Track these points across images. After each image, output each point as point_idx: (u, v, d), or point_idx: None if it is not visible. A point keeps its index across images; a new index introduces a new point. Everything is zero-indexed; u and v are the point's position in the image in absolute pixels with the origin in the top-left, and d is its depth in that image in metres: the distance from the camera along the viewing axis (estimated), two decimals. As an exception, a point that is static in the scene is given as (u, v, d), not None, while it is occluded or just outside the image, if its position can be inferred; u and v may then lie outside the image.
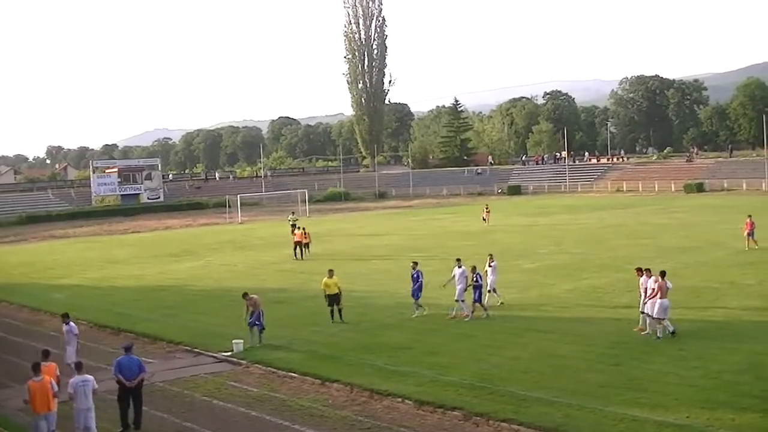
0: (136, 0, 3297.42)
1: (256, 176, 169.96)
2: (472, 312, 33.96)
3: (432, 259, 53.88)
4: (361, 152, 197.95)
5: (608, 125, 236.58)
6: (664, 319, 29.06)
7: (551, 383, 24.09)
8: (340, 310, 34.58)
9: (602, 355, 27.15)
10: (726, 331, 29.68)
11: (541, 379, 24.71)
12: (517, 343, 29.54)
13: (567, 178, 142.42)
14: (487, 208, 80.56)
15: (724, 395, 22.18)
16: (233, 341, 30.71)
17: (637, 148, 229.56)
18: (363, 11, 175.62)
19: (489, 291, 35.70)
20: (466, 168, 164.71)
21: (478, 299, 34.13)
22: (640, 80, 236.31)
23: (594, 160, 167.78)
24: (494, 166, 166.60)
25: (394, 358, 28.26)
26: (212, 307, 40.17)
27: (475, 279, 33.90)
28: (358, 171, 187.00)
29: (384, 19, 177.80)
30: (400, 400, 23.73)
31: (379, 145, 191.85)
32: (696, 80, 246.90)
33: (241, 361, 29.45)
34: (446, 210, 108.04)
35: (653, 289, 29.34)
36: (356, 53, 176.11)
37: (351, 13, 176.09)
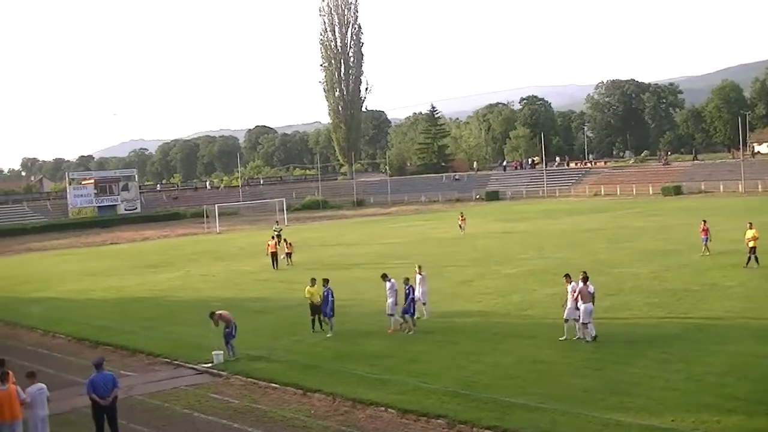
0: (111, 12, 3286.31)
1: (248, 184, 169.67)
2: (406, 324, 33.09)
3: (413, 265, 53.82)
4: (338, 160, 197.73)
5: (585, 129, 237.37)
6: (588, 323, 29.20)
7: (535, 389, 23.90)
8: (320, 319, 34.28)
9: (586, 359, 27.00)
10: (708, 334, 29.59)
11: (524, 385, 24.51)
12: (499, 349, 29.34)
13: (545, 183, 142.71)
14: (462, 216, 78.56)
15: (708, 398, 22.07)
16: (213, 353, 30.36)
17: (614, 152, 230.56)
18: (339, 19, 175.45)
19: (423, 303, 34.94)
20: (444, 174, 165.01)
21: (411, 311, 32.95)
22: (616, 84, 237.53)
23: (573, 164, 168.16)
24: (472, 173, 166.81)
25: (375, 366, 28.01)
26: (192, 318, 39.68)
27: (407, 291, 32.87)
28: (336, 179, 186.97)
29: (360, 27, 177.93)
30: (383, 408, 23.48)
31: (357, 153, 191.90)
32: (671, 84, 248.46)
33: (222, 373, 29.10)
34: (425, 217, 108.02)
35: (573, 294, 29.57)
36: (332, 61, 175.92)
37: (327, 20, 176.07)
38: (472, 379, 25.53)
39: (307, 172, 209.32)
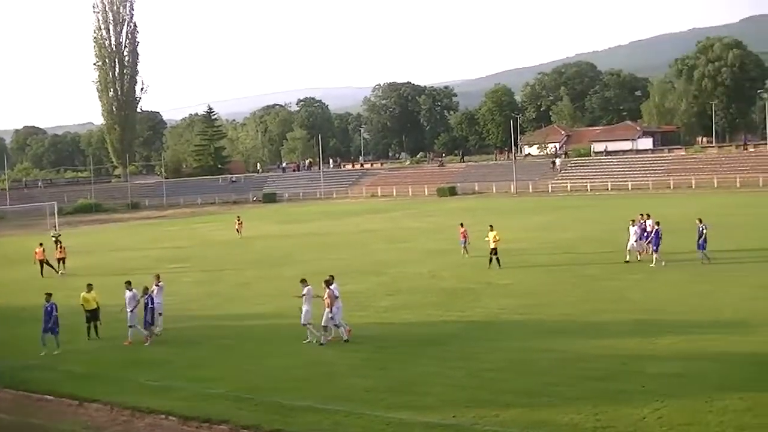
0: None
1: (15, 187, 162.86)
2: (149, 336, 32.03)
3: (192, 270, 53.26)
4: (112, 162, 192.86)
5: (361, 131, 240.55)
6: (333, 325, 29.69)
7: (318, 391, 23.86)
8: (96, 326, 33.14)
9: (367, 359, 27.22)
10: (485, 331, 30.42)
11: (308, 387, 24.43)
12: (282, 351, 29.19)
13: (322, 184, 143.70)
14: (239, 220, 77.55)
15: (487, 393, 22.62)
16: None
17: (390, 154, 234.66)
18: (113, 16, 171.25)
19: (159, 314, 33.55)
20: (220, 176, 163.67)
21: (151, 322, 32.03)
22: (393, 87, 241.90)
23: (350, 166, 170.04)
24: (250, 175, 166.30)
25: (155, 373, 27.31)
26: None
27: (146, 301, 31.94)
28: (110, 181, 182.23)
29: (135, 25, 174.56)
30: (163, 416, 22.86)
31: (131, 155, 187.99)
32: (447, 87, 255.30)
33: (-13, 387, 27.57)
34: (202, 219, 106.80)
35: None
36: (107, 60, 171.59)
37: (101, 18, 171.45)
38: (255, 382, 25.26)
39: (80, 174, 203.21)
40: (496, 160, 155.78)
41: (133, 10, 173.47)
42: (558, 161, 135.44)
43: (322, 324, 29.66)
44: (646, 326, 29.32)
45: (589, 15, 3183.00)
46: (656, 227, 43.47)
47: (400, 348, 28.47)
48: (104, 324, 33.44)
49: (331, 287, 29.75)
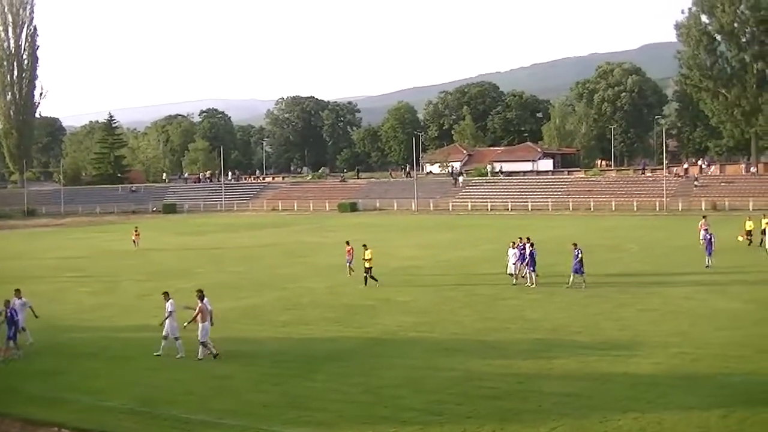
0: None
1: None
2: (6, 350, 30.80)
3: (89, 278, 52.59)
4: (8, 167, 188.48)
5: (264, 144, 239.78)
6: (205, 341, 29.43)
7: (215, 404, 23.72)
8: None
9: (265, 374, 27.16)
10: (383, 347, 30.62)
11: (204, 400, 24.27)
12: (178, 364, 28.91)
13: (223, 196, 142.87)
14: (136, 231, 76.10)
15: (385, 410, 22.76)
16: None
17: (292, 168, 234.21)
18: (13, 18, 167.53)
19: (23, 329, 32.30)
20: (120, 185, 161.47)
21: (12, 336, 30.73)
22: (296, 101, 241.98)
23: (251, 179, 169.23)
24: (150, 184, 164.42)
25: (47, 384, 26.82)
26: None
27: (9, 314, 30.79)
28: (6, 187, 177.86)
29: (36, 28, 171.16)
30: (56, 429, 22.48)
31: (29, 160, 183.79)
32: (350, 102, 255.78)
33: None
34: (100, 228, 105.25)
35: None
36: (5, 62, 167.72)
37: (0, 19, 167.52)
38: (151, 395, 25.01)
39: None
40: (390, 177, 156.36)
41: (33, 12, 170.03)
42: (461, 178, 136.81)
43: (201, 340, 29.27)
44: (542, 346, 29.84)
45: (492, 36, 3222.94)
46: (531, 249, 44.28)
47: (298, 363, 28.44)
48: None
49: (204, 301, 29.59)
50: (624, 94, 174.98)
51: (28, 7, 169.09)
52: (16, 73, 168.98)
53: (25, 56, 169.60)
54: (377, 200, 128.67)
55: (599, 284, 43.60)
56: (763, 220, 59.50)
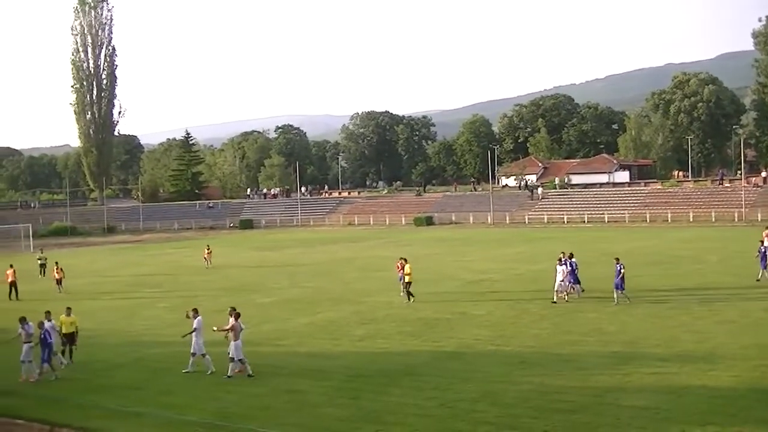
0: None
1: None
2: (40, 374, 30.71)
3: (166, 294, 53.15)
4: (88, 185, 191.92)
5: (339, 159, 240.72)
6: (238, 359, 29.36)
7: (290, 419, 23.78)
8: (71, 350, 32.89)
9: (340, 389, 27.13)
10: (460, 361, 30.42)
11: (280, 415, 24.34)
12: (253, 380, 29.01)
13: (299, 211, 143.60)
14: (208, 249, 73.82)
15: (461, 423, 22.59)
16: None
17: (368, 182, 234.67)
18: (92, 39, 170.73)
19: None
20: (197, 202, 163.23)
21: (47, 359, 30.59)
22: (371, 116, 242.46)
23: (327, 194, 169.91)
24: (230, 199, 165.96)
25: (126, 399, 27.12)
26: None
27: (42, 335, 30.59)
28: (86, 204, 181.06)
29: (114, 48, 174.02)
30: (135, 443, 22.77)
31: (108, 178, 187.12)
32: (424, 116, 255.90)
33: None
34: (178, 244, 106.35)
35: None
36: (84, 83, 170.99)
37: (79, 40, 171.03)
38: (228, 410, 25.14)
39: (55, 196, 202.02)
40: (474, 190, 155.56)
41: (111, 33, 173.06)
42: (540, 189, 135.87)
43: (238, 357, 29.36)
44: (619, 359, 29.44)
45: (566, 48, 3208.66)
46: (571, 261, 43.59)
47: (373, 377, 28.41)
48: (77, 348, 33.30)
49: (238, 320, 29.55)
50: (700, 104, 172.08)
51: (107, 28, 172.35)
52: (95, 92, 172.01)
53: (104, 76, 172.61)
54: (453, 214, 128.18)
55: (678, 296, 42.96)
56: None
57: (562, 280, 43.28)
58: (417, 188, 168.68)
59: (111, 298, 53.59)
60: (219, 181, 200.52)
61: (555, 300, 42.95)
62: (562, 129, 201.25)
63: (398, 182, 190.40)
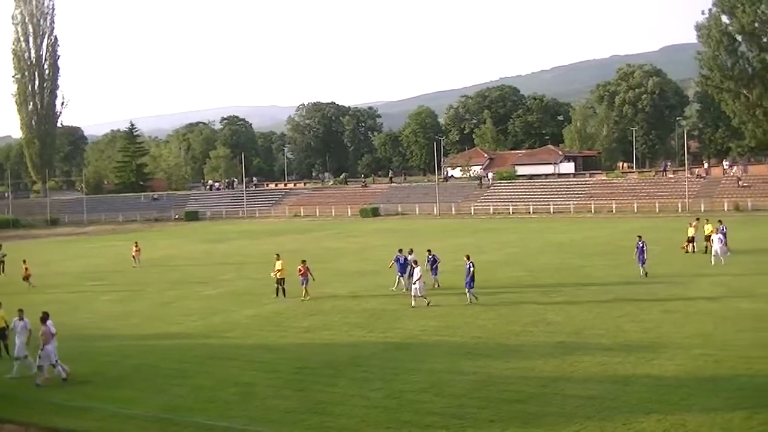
0: None
1: None
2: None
3: (111, 288, 52.85)
4: (31, 177, 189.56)
5: (285, 151, 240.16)
6: (49, 364, 28.34)
7: (238, 411, 23.78)
8: (6, 346, 32.29)
9: (287, 380, 27.14)
10: (406, 352, 30.56)
11: (227, 407, 24.32)
12: (201, 371, 28.95)
13: (245, 203, 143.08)
14: (136, 246, 67.53)
15: (408, 414, 22.71)
16: None
17: (314, 174, 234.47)
18: (33, 29, 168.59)
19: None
20: (142, 193, 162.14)
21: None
22: (317, 107, 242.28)
23: (273, 185, 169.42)
24: (175, 191, 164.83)
25: (72, 393, 26.90)
26: None
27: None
28: (29, 197, 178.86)
29: (56, 38, 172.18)
30: (80, 437, 22.60)
31: (51, 170, 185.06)
32: (371, 108, 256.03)
33: None
34: (123, 237, 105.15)
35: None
36: (26, 73, 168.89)
37: (20, 30, 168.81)
38: (174, 402, 25.07)
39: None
40: (428, 181, 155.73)
41: (54, 22, 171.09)
42: (490, 175, 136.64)
43: (40, 363, 28.36)
44: (564, 349, 29.74)
45: (513, 40, 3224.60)
46: (468, 262, 41.55)
47: (320, 369, 28.43)
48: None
49: (48, 323, 28.60)
50: (645, 96, 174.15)
51: (49, 17, 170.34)
52: (37, 83, 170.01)
53: (46, 66, 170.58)
54: (399, 205, 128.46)
55: (622, 286, 43.49)
56: (706, 226, 57.86)
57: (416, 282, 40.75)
58: (363, 180, 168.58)
59: (55, 291, 53.01)
60: (164, 173, 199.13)
61: (414, 305, 40.29)
62: (508, 120, 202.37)
63: (344, 174, 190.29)
